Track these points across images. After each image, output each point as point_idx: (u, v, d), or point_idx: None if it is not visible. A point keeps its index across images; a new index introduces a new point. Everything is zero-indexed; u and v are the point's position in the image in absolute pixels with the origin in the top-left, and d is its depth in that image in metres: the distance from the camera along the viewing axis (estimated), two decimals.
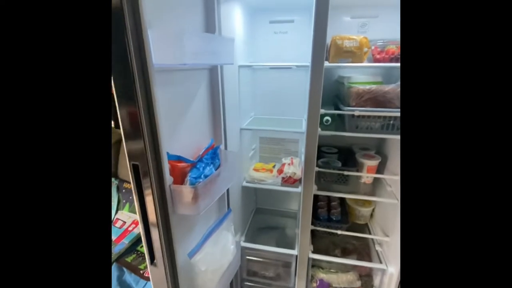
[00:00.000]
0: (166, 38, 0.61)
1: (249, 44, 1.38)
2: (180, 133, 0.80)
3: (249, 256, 1.44)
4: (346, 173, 1.28)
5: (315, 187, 1.19)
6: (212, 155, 0.86)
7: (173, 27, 0.71)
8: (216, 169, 0.85)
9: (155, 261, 0.80)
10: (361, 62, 1.08)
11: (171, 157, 0.73)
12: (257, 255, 1.42)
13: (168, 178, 0.73)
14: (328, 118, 1.17)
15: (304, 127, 1.32)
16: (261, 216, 1.76)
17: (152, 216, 0.74)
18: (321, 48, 0.93)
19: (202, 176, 0.77)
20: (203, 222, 0.96)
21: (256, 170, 1.44)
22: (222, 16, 0.95)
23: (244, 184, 1.39)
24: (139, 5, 0.57)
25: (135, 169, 0.69)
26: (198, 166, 0.79)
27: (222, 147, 1.03)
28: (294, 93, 1.48)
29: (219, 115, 0.99)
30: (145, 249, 0.80)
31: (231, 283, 1.41)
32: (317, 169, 1.15)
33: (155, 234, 0.76)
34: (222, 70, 0.99)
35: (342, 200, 1.52)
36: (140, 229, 0.78)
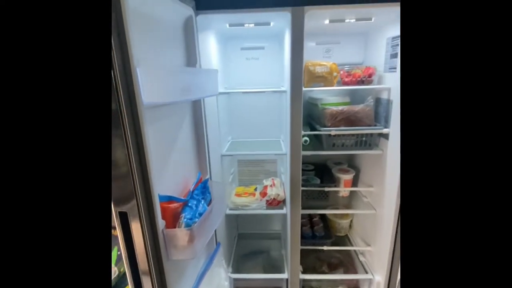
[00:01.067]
0: (156, 76, 0.57)
1: (223, 70, 1.38)
2: (169, 170, 0.74)
3: (237, 287, 1.36)
4: (327, 189, 1.32)
5: None
6: (202, 189, 0.82)
7: (158, 63, 0.68)
8: (208, 205, 0.81)
9: None
10: (332, 85, 1.17)
11: (162, 199, 0.67)
12: (246, 284, 1.36)
13: (161, 222, 0.66)
14: (307, 138, 1.22)
15: (283, 148, 1.35)
16: (244, 241, 1.70)
17: (144, 266, 0.66)
18: (298, 77, 0.98)
19: (197, 214, 0.72)
20: (194, 263, 0.89)
21: (238, 195, 1.40)
22: (200, 47, 0.94)
23: (228, 212, 1.34)
24: (127, 41, 0.53)
25: (122, 218, 0.62)
26: (190, 204, 0.74)
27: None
28: (268, 115, 1.52)
29: (204, 145, 0.95)
30: None
31: None
32: (302, 188, 1.17)
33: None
34: (204, 100, 0.96)
35: (323, 214, 1.56)
36: (129, 283, 0.68)
